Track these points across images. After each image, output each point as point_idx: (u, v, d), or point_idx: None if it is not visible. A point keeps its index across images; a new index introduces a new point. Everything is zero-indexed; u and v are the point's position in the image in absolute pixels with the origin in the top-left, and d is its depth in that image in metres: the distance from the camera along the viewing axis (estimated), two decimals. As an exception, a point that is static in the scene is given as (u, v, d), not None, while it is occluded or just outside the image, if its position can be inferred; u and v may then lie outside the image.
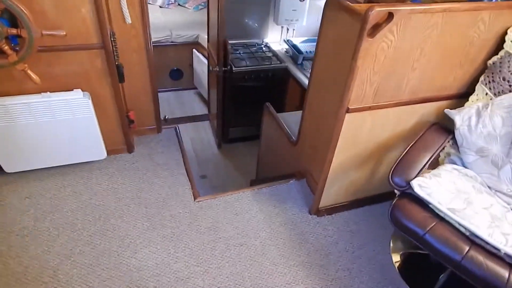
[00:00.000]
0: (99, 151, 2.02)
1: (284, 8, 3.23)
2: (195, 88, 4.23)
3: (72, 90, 1.74)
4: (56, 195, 1.90)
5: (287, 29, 3.50)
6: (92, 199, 1.90)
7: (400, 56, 1.42)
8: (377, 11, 1.25)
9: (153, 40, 1.96)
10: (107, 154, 2.09)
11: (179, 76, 4.10)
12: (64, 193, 1.92)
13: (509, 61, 1.53)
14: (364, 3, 1.47)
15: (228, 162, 3.34)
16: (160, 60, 3.42)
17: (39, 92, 1.69)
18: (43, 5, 1.48)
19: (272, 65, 3.14)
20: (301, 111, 2.39)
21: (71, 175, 2.02)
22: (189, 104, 4.07)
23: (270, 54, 3.30)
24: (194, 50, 3.90)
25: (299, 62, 3.14)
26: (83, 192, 1.93)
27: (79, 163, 2.07)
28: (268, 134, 2.52)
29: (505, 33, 1.52)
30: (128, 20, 1.76)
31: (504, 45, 1.54)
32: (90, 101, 1.74)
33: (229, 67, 3.00)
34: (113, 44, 1.72)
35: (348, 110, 1.50)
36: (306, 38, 3.45)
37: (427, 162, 1.48)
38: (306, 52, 3.23)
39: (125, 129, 2.07)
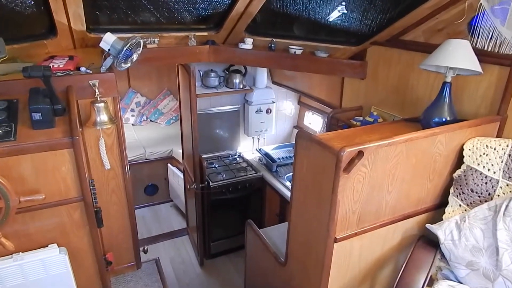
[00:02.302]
0: (73, 306, 1.82)
1: (253, 121, 3.44)
2: (171, 200, 4.17)
3: (47, 245, 1.65)
4: None
5: (258, 139, 3.68)
6: None
7: (375, 183, 1.50)
8: (349, 152, 1.35)
9: (128, 159, 1.95)
10: (82, 304, 1.89)
11: (154, 191, 4.06)
12: None
13: (472, 174, 1.65)
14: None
15: (213, 280, 3.15)
16: (134, 178, 3.39)
17: (10, 254, 1.58)
18: (22, 171, 1.46)
19: (248, 176, 3.21)
20: (283, 224, 2.36)
21: None
22: (165, 218, 3.95)
23: (244, 165, 3.39)
24: (168, 164, 3.95)
25: (274, 169, 3.24)
26: None
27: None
28: (254, 254, 2.44)
29: (462, 148, 1.68)
30: (107, 166, 1.78)
31: (464, 160, 1.68)
32: (66, 257, 1.63)
33: (206, 183, 3.03)
34: (92, 192, 1.70)
35: (336, 240, 1.50)
36: (276, 145, 3.62)
37: (423, 285, 1.46)
38: (279, 159, 3.36)
39: (102, 274, 1.93)
